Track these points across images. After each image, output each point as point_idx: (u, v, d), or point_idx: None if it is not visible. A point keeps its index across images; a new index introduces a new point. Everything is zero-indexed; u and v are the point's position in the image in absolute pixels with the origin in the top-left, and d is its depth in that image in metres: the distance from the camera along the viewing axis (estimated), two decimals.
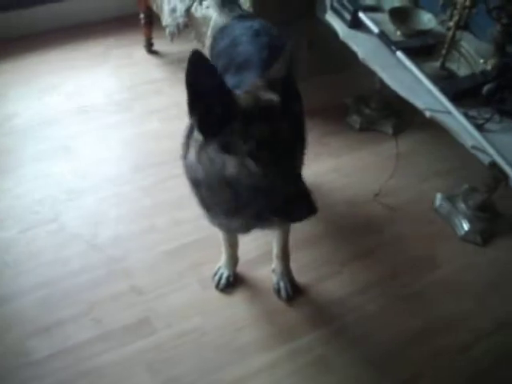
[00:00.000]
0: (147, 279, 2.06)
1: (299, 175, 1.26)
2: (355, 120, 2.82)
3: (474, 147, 1.90)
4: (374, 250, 2.24)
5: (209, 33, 2.47)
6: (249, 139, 1.20)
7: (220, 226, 1.69)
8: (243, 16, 2.14)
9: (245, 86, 1.41)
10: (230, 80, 1.60)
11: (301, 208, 1.22)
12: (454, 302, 2.08)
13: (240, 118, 1.22)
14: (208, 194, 1.43)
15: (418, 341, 1.95)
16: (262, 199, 1.26)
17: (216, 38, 2.04)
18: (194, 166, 1.39)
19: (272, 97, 1.28)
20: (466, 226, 2.30)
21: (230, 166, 1.24)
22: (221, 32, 2.04)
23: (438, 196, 2.43)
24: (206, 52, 2.07)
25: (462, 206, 2.35)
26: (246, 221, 1.50)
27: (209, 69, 1.18)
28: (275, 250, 2.01)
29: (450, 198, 2.40)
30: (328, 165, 2.59)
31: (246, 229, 1.62)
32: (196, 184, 1.45)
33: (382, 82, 2.24)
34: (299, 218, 1.24)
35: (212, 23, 2.45)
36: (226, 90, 1.23)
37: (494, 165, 1.89)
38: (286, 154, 1.23)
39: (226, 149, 1.24)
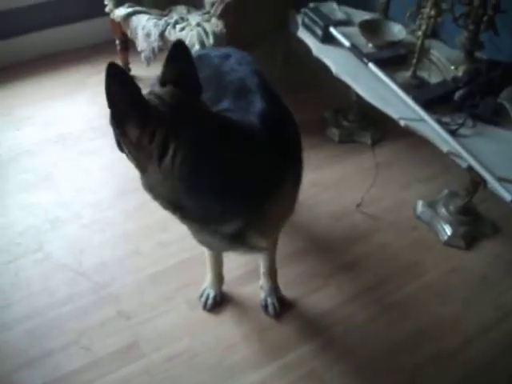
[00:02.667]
0: (134, 303, 2.05)
1: None
2: (334, 133, 2.85)
3: (449, 153, 1.94)
4: (359, 260, 2.25)
5: None
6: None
7: (203, 243, 1.67)
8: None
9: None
10: (232, 104, 1.59)
11: None
12: (441, 306, 2.09)
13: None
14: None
15: (407, 348, 1.95)
16: None
17: None
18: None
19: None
20: (448, 231, 2.31)
21: None
22: (196, 62, 2.02)
23: (420, 203, 2.45)
24: None
25: (443, 211, 2.37)
26: (225, 240, 1.49)
27: (123, 79, 1.21)
28: (263, 267, 2.01)
29: (431, 204, 2.43)
30: (309, 178, 2.54)
31: (228, 247, 1.61)
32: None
33: (357, 94, 2.27)
34: None
35: None
36: (138, 98, 1.24)
37: (471, 168, 1.92)
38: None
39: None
